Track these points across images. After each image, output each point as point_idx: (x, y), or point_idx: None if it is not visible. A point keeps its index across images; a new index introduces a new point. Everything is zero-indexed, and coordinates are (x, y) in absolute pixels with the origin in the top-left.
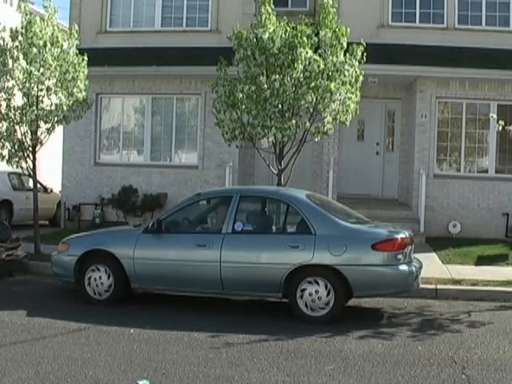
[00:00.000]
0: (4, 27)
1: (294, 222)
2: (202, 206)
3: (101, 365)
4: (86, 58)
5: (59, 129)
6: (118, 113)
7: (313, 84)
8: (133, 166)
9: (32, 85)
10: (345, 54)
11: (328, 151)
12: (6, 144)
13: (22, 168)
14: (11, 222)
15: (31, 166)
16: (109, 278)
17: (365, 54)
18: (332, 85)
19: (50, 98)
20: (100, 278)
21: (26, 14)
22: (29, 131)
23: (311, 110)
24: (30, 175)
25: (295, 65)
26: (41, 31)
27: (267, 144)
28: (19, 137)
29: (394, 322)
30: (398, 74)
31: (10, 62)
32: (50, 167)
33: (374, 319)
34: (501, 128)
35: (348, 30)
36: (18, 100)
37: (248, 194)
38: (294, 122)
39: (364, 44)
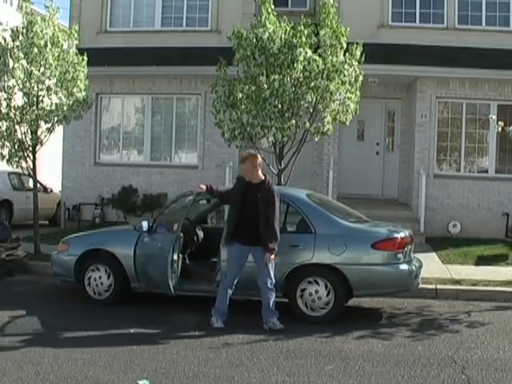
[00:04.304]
0: (5, 26)
1: (294, 222)
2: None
3: (101, 365)
4: (85, 57)
5: (60, 128)
6: (117, 113)
7: (312, 84)
8: (133, 165)
9: (32, 84)
10: (344, 54)
11: (328, 151)
12: (6, 143)
13: (22, 168)
14: (11, 222)
15: (31, 166)
16: (109, 277)
17: (364, 54)
18: (332, 85)
19: (50, 98)
20: (100, 277)
21: (28, 14)
22: (29, 131)
23: (311, 110)
24: (30, 175)
25: (295, 65)
26: (42, 31)
27: (267, 144)
28: (19, 136)
29: (393, 322)
30: (398, 73)
31: (11, 61)
32: (54, 167)
33: (374, 319)
34: (500, 129)
35: (348, 29)
36: (19, 99)
37: None
38: (293, 121)
39: (361, 44)
